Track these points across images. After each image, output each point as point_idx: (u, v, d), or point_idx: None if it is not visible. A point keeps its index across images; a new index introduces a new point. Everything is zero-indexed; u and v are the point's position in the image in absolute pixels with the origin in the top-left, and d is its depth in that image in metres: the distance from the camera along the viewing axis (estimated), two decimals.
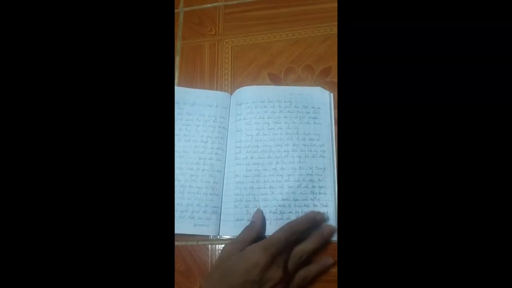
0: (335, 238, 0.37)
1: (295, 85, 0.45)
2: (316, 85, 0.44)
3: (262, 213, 0.38)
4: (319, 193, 0.39)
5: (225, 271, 0.32)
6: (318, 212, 0.37)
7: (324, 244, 0.37)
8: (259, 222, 0.37)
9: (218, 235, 0.40)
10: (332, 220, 0.38)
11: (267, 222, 0.38)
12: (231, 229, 0.39)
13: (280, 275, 0.31)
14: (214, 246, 0.40)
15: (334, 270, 0.36)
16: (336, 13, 0.47)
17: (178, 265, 0.40)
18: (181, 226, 0.40)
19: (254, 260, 0.30)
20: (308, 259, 0.36)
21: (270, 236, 0.34)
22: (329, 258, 0.36)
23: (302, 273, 0.34)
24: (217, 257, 0.38)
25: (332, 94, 0.44)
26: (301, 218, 0.36)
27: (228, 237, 0.40)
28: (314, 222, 0.36)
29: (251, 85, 0.46)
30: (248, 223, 0.38)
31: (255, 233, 0.36)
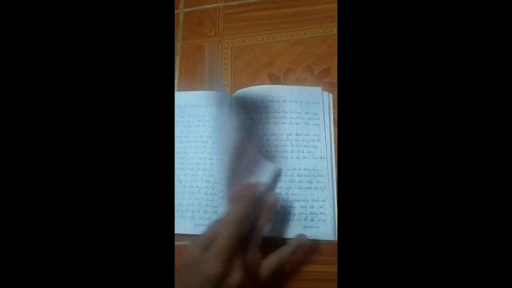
0: (333, 238, 0.37)
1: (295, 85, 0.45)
2: (316, 86, 0.44)
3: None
4: (318, 193, 0.39)
5: (184, 284, 0.29)
6: (248, 185, 0.33)
7: (273, 212, 0.35)
8: (231, 214, 0.31)
9: None
10: (331, 219, 0.38)
11: (268, 223, 0.38)
12: None
13: (239, 277, 0.28)
14: None
15: (334, 270, 0.36)
16: (335, 13, 0.47)
17: (178, 264, 0.40)
18: (181, 226, 0.40)
19: (208, 274, 0.27)
20: (277, 240, 0.34)
21: (217, 238, 0.29)
22: (301, 234, 0.34)
23: (274, 258, 0.32)
24: None
25: (331, 95, 0.44)
26: (237, 202, 0.31)
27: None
28: (252, 196, 0.32)
29: (250, 85, 0.46)
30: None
31: (222, 229, 0.30)
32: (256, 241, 0.32)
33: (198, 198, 0.41)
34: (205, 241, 0.30)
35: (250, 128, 0.40)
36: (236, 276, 0.28)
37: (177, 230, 0.40)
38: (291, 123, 0.42)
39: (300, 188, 0.39)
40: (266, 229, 0.33)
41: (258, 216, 0.33)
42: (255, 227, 0.32)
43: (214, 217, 0.40)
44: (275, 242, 0.35)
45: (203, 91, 0.47)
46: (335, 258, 0.36)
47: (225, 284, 0.28)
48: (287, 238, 0.37)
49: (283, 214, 0.38)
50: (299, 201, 0.39)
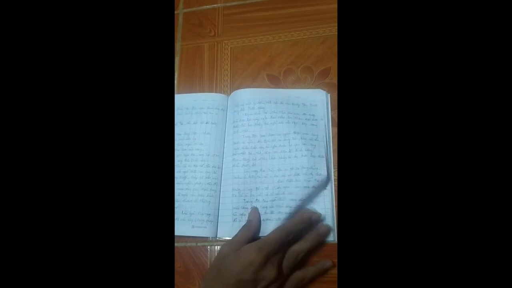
0: (332, 238, 0.37)
1: (294, 87, 0.45)
2: (315, 87, 0.44)
3: (258, 211, 0.38)
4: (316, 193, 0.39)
5: (221, 271, 0.32)
6: (314, 212, 0.37)
7: (320, 243, 0.37)
8: (255, 221, 0.37)
9: (216, 236, 0.40)
10: (330, 220, 0.38)
11: (265, 223, 0.38)
12: (229, 230, 0.39)
13: (274, 274, 0.31)
14: (213, 247, 0.40)
15: (334, 271, 0.36)
16: (334, 14, 0.47)
17: (178, 266, 0.40)
18: (179, 228, 0.40)
19: (248, 260, 0.31)
20: (304, 260, 0.36)
21: (265, 236, 0.34)
22: (328, 260, 0.36)
23: (299, 274, 0.34)
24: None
25: (329, 95, 0.44)
26: (296, 218, 0.36)
27: (226, 238, 0.40)
28: (309, 222, 0.36)
29: (250, 86, 0.46)
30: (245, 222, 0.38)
31: (251, 232, 0.36)
32: (294, 256, 0.34)
33: (196, 200, 0.41)
34: (240, 242, 0.34)
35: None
36: (271, 270, 0.31)
37: (175, 232, 0.40)
38: (288, 123, 0.42)
39: (296, 187, 0.39)
40: (306, 251, 0.35)
41: (305, 237, 0.35)
42: (299, 244, 0.35)
43: (212, 218, 0.40)
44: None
45: (201, 93, 0.47)
46: (335, 260, 0.36)
47: (261, 274, 0.31)
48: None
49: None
50: (295, 200, 0.39)
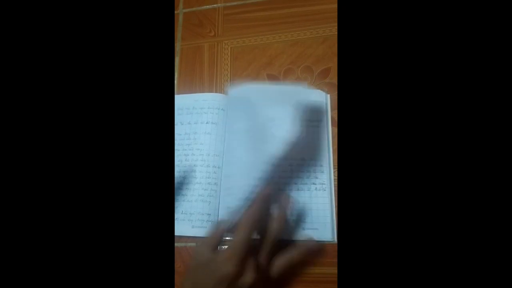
0: (332, 239, 0.37)
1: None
2: (315, 87, 0.44)
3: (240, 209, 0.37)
4: (317, 194, 0.39)
5: (197, 283, 0.31)
6: (265, 187, 0.36)
7: (287, 216, 0.36)
8: (230, 216, 0.36)
9: None
10: (329, 219, 0.38)
11: None
12: None
13: (251, 278, 0.30)
14: None
15: (334, 271, 0.36)
16: (334, 14, 0.47)
17: (177, 266, 0.40)
18: (179, 228, 0.40)
19: (222, 273, 0.29)
20: (286, 242, 0.35)
21: (232, 240, 0.31)
22: (310, 238, 0.35)
23: (283, 260, 0.33)
24: None
25: (329, 95, 0.44)
26: (253, 204, 0.34)
27: (226, 238, 0.39)
28: (268, 198, 0.35)
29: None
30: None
31: (225, 227, 0.34)
32: (269, 243, 0.33)
33: (196, 200, 0.41)
34: (213, 241, 0.33)
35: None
36: (248, 276, 0.30)
37: (175, 232, 0.40)
38: (290, 122, 0.41)
39: (297, 189, 0.39)
40: (280, 231, 0.34)
41: (273, 218, 0.34)
42: (269, 229, 0.34)
43: (212, 218, 0.40)
44: (285, 244, 0.36)
45: (201, 94, 0.47)
46: (335, 260, 0.36)
47: (238, 283, 0.29)
48: (296, 240, 0.37)
49: (295, 216, 0.38)
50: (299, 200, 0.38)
